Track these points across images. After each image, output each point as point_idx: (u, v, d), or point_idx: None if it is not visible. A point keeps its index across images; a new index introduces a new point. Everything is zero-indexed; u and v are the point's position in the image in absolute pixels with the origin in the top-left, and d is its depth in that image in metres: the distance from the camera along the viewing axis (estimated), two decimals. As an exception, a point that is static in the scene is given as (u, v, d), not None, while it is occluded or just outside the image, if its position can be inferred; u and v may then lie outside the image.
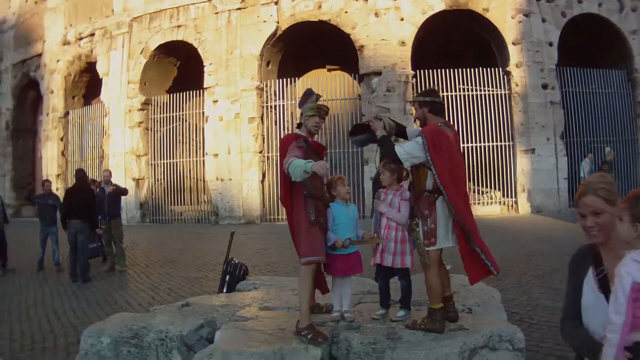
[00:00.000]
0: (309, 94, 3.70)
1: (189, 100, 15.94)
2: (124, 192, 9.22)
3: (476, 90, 14.09)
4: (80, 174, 8.67)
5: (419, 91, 14.42)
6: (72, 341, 4.69)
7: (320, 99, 3.71)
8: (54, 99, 18.78)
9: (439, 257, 3.46)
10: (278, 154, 3.64)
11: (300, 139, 3.53)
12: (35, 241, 9.01)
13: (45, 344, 4.76)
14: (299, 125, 3.70)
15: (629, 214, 1.65)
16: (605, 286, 1.78)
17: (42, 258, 8.73)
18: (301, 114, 3.67)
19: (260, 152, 14.83)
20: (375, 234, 3.64)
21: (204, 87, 15.46)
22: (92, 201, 8.35)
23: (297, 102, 3.95)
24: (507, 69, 14.23)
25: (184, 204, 16.18)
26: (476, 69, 14.04)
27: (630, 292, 1.57)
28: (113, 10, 17.24)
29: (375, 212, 3.82)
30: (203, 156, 15.64)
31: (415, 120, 3.79)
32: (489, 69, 14.19)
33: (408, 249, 3.56)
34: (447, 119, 3.77)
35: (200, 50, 15.56)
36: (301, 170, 3.21)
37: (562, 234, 9.76)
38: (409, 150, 3.40)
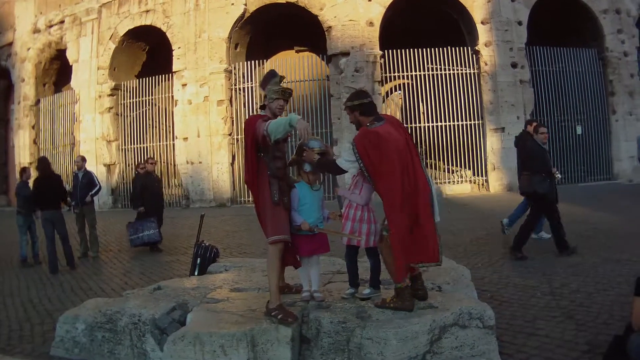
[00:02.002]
0: (272, 75, 3.68)
1: (158, 85, 15.79)
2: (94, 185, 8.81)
3: (445, 69, 14.06)
4: (44, 163, 8.33)
5: (384, 72, 14.34)
6: (48, 328, 4.67)
7: (284, 80, 3.71)
8: (25, 87, 18.53)
9: None
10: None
11: (264, 118, 3.54)
12: (7, 230, 8.72)
13: (22, 332, 4.74)
14: (263, 107, 3.69)
15: None
16: None
17: (23, 251, 8.30)
18: (265, 96, 3.65)
19: (230, 135, 14.73)
20: (340, 212, 3.70)
21: (173, 71, 15.31)
22: (64, 189, 8.19)
23: (259, 82, 3.95)
24: (476, 48, 14.21)
25: (155, 189, 16.00)
26: (445, 49, 14.00)
27: None
28: (82, -3, 17.06)
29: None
30: (173, 140, 15.51)
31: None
32: (458, 48, 14.16)
33: (373, 229, 3.57)
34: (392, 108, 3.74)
35: (168, 35, 15.39)
36: (285, 122, 3.24)
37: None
38: (347, 158, 3.53)
